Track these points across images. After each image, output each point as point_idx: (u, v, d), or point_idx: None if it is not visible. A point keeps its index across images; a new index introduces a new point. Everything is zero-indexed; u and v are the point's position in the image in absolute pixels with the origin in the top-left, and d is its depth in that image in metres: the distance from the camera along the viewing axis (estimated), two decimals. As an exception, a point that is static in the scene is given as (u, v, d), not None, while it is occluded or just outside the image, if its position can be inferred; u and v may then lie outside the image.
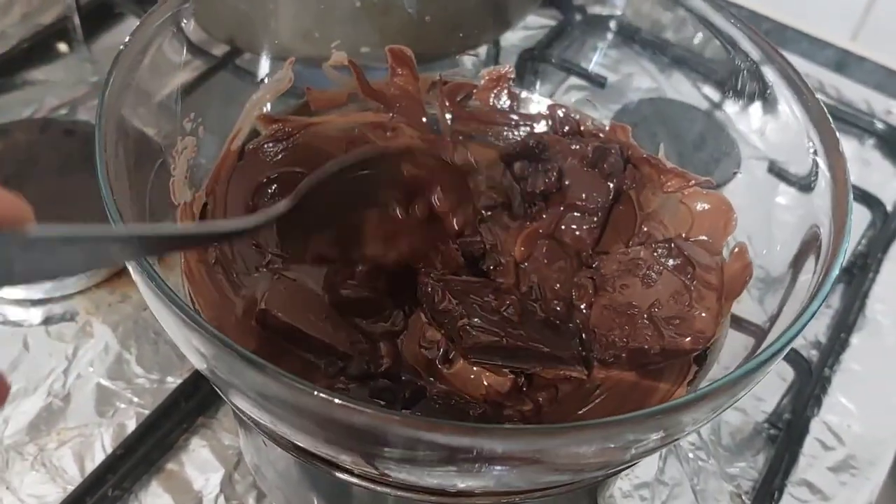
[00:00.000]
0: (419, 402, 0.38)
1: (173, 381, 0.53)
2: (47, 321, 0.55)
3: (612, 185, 0.46)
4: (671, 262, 0.42)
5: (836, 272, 0.34)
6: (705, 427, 0.55)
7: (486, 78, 0.54)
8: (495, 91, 0.54)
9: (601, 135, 0.52)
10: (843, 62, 0.78)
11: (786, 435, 0.54)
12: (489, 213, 0.46)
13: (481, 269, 0.43)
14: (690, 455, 0.53)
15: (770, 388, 0.57)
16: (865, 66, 0.77)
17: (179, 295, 0.31)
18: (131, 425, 0.51)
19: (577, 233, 0.46)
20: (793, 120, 0.42)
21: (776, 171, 0.48)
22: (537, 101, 0.55)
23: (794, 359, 0.57)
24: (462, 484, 0.32)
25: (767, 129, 0.49)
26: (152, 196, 0.40)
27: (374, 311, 0.40)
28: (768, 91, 0.45)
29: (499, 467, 0.31)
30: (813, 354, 0.59)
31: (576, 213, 0.46)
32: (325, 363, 0.38)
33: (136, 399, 0.52)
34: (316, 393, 0.27)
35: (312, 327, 0.39)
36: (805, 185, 0.42)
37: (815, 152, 0.40)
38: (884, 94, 0.75)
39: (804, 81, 0.43)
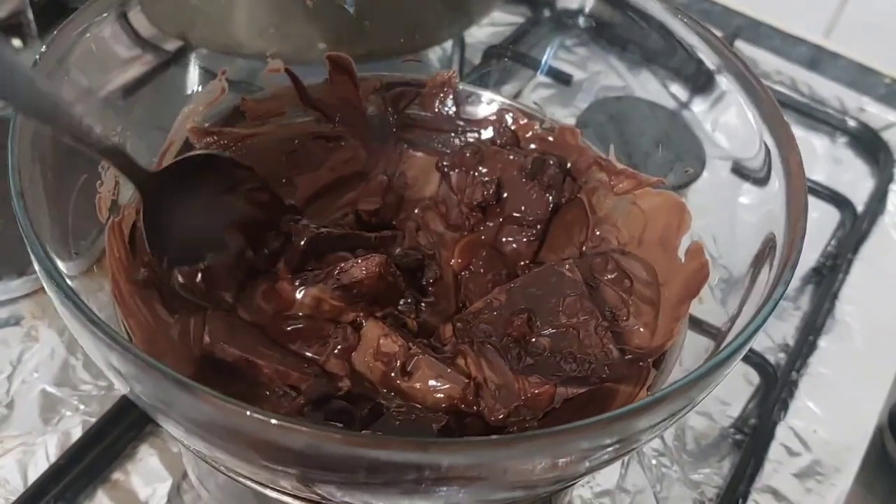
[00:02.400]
0: (378, 419, 0.37)
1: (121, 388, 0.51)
2: (-8, 325, 0.53)
3: (550, 198, 0.45)
4: (608, 275, 0.41)
5: (789, 275, 0.33)
6: (669, 432, 0.54)
7: (430, 84, 0.53)
8: (440, 97, 0.53)
9: (550, 138, 0.50)
10: (817, 59, 0.77)
11: (751, 440, 0.53)
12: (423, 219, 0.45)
13: (419, 282, 0.42)
14: (654, 461, 0.52)
15: (736, 393, 0.56)
16: (839, 63, 0.76)
17: (101, 316, 0.29)
18: (77, 433, 0.49)
19: (515, 245, 0.45)
20: (748, 118, 0.41)
21: (739, 170, 0.47)
22: (488, 103, 0.54)
23: (760, 363, 0.56)
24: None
25: (729, 127, 0.48)
26: (76, 210, 0.38)
27: (317, 336, 0.38)
28: (724, 90, 0.44)
29: (444, 487, 0.29)
30: (780, 357, 0.58)
31: (514, 226, 0.45)
32: (277, 392, 0.37)
33: (82, 406, 0.51)
34: (250, 413, 0.26)
35: (263, 356, 0.37)
36: (762, 183, 0.42)
37: (768, 151, 0.39)
38: (857, 91, 0.74)
39: (757, 78, 0.42)
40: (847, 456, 0.53)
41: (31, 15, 0.68)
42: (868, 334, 0.59)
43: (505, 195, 0.45)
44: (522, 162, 0.45)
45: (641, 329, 0.40)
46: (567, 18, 0.63)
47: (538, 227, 0.44)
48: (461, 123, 0.52)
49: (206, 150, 0.46)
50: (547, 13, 0.67)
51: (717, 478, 0.52)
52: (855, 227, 0.64)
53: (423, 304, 0.41)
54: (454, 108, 0.52)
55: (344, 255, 0.40)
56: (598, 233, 0.45)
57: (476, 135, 0.51)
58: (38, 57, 0.38)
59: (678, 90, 0.55)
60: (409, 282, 0.41)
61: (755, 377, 0.56)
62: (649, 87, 0.57)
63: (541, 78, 0.64)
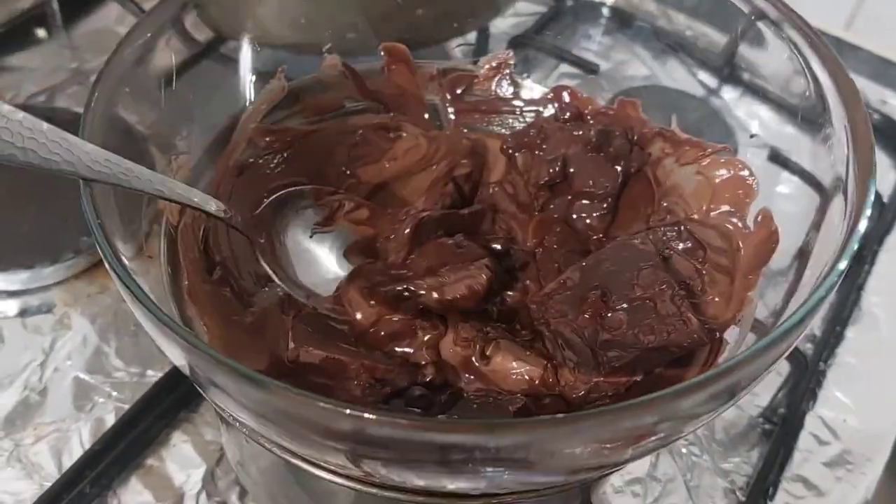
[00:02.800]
0: (456, 404, 0.37)
1: (154, 375, 0.51)
2: (23, 313, 0.53)
3: (619, 169, 0.44)
4: (681, 245, 0.40)
5: (845, 264, 0.32)
6: (699, 422, 0.54)
7: (487, 66, 0.53)
8: (497, 79, 0.53)
9: (610, 113, 0.50)
10: (837, 51, 0.76)
11: (780, 430, 0.53)
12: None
13: (509, 268, 0.42)
14: (683, 450, 0.52)
15: (765, 383, 0.55)
16: (860, 56, 0.76)
17: (162, 304, 0.30)
18: (110, 420, 0.49)
19: (588, 220, 0.44)
20: (823, 90, 0.40)
21: (778, 159, 0.47)
22: (536, 89, 0.54)
23: (790, 353, 0.55)
24: (452, 485, 0.30)
25: (770, 114, 0.47)
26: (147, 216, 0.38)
27: (406, 332, 0.39)
28: (792, 54, 0.42)
29: (490, 468, 0.29)
30: (808, 348, 0.58)
31: (584, 201, 0.44)
32: (363, 385, 0.37)
33: (115, 393, 0.51)
34: (322, 405, 0.26)
35: (348, 353, 0.37)
36: (816, 173, 0.41)
37: (829, 111, 0.38)
38: (879, 83, 0.74)
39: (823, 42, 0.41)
40: (877, 444, 0.53)
41: (56, 5, 0.68)
42: (895, 324, 0.59)
43: (572, 171, 0.44)
44: (587, 136, 0.45)
45: (717, 299, 0.39)
46: (591, 7, 0.63)
47: (609, 199, 0.44)
48: (520, 104, 0.52)
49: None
50: (570, 2, 0.67)
51: (746, 466, 0.52)
52: (881, 219, 0.64)
53: (509, 293, 0.41)
54: (512, 89, 0.52)
55: (445, 246, 0.40)
56: (664, 204, 0.44)
57: (534, 114, 0.51)
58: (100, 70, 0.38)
59: (707, 77, 0.54)
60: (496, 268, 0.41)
61: (784, 367, 0.56)
62: (676, 75, 0.57)
63: (565, 68, 0.64)
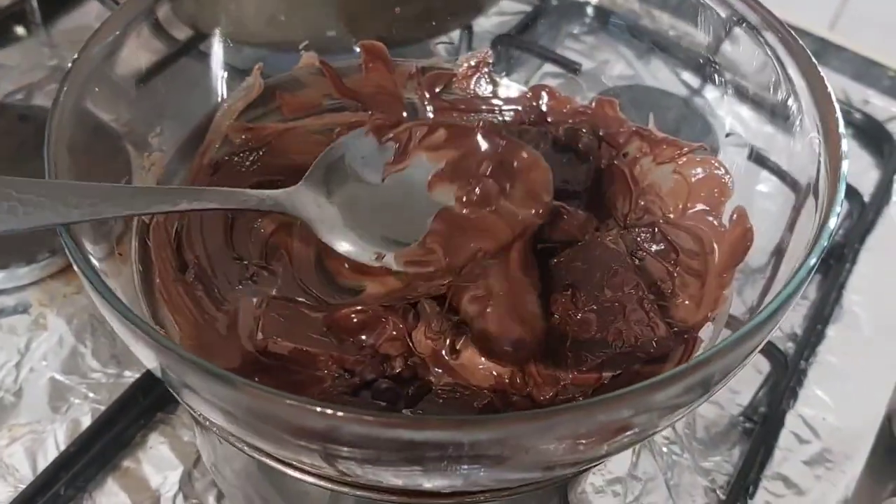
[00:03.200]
0: (423, 398, 0.37)
1: (131, 376, 0.51)
2: (-1, 313, 0.53)
3: (589, 165, 0.44)
4: (654, 247, 0.40)
5: (815, 262, 0.32)
6: (680, 421, 0.54)
7: (465, 65, 0.52)
8: (475, 77, 0.52)
9: (588, 112, 0.50)
10: (821, 51, 0.77)
11: (761, 428, 0.53)
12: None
13: None
14: (664, 449, 0.52)
15: (745, 381, 0.56)
16: (843, 56, 0.76)
17: (133, 304, 0.29)
18: (86, 421, 0.49)
19: (565, 216, 0.44)
20: (796, 90, 0.40)
21: (758, 158, 0.47)
22: (514, 88, 0.54)
23: (770, 350, 0.56)
24: (428, 484, 0.30)
25: (750, 114, 0.47)
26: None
27: (374, 322, 0.38)
28: (765, 60, 0.43)
29: (465, 466, 0.29)
30: (789, 347, 0.58)
31: (558, 199, 0.44)
32: (333, 375, 0.37)
33: (91, 394, 0.50)
34: (290, 402, 0.26)
35: (318, 345, 0.37)
36: (791, 171, 0.41)
37: (800, 108, 0.39)
38: (861, 83, 0.74)
39: (801, 46, 0.41)
40: (856, 443, 0.53)
41: (35, 3, 0.68)
42: (876, 323, 0.59)
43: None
44: (554, 134, 0.45)
45: (687, 302, 0.39)
46: (575, 6, 0.63)
47: (582, 195, 0.44)
48: (499, 103, 0.52)
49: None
50: (555, 1, 0.67)
51: (727, 465, 0.52)
52: (862, 218, 0.64)
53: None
54: (491, 88, 0.52)
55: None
56: (641, 203, 0.44)
57: (512, 112, 0.51)
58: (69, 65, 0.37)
59: (690, 77, 0.54)
60: None
61: (764, 366, 0.56)
62: (659, 75, 0.57)
63: (549, 67, 0.64)
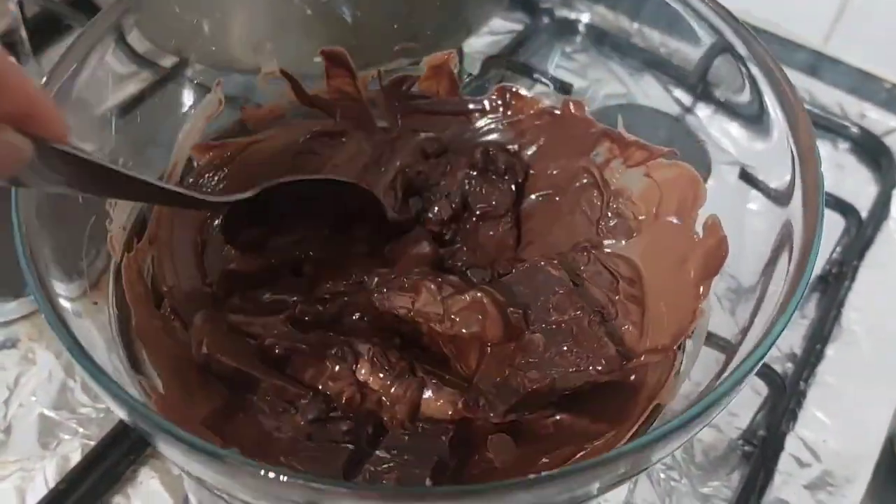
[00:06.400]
0: (384, 436, 0.36)
1: (121, 410, 0.50)
2: (-13, 348, 0.52)
3: (511, 186, 0.44)
4: (591, 272, 0.40)
5: (804, 283, 0.32)
6: (677, 448, 0.53)
7: (428, 66, 0.52)
8: (437, 79, 0.52)
9: (556, 111, 0.50)
10: (816, 65, 0.76)
11: (760, 452, 0.52)
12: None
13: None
14: (662, 475, 0.52)
15: (744, 404, 0.55)
16: (839, 69, 0.76)
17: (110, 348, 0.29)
18: (76, 458, 0.48)
19: (498, 238, 0.44)
20: (772, 120, 0.40)
21: (748, 177, 0.46)
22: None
23: (768, 374, 0.55)
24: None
25: (740, 132, 0.47)
26: (90, 250, 0.37)
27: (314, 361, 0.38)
28: (747, 88, 0.43)
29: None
30: (788, 367, 0.57)
31: (489, 221, 0.44)
32: (277, 409, 0.36)
33: (81, 429, 0.50)
34: (263, 472, 0.25)
35: (259, 370, 0.37)
36: (776, 189, 0.41)
37: (791, 155, 0.38)
38: (857, 97, 0.73)
39: (785, 77, 0.41)
40: (858, 466, 0.52)
41: (24, 33, 0.68)
42: (875, 342, 0.58)
43: (469, 198, 0.44)
44: (472, 159, 0.45)
45: (630, 328, 0.39)
46: (566, 25, 0.63)
47: (509, 214, 0.44)
48: (463, 104, 0.51)
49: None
50: (546, 20, 0.67)
51: (726, 490, 0.51)
52: (860, 234, 0.63)
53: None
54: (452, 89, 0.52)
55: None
56: (614, 206, 0.44)
57: (478, 112, 0.50)
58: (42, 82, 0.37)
59: (682, 95, 0.54)
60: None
61: (763, 388, 0.55)
62: (651, 92, 0.56)
63: (541, 87, 0.63)
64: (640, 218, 0.43)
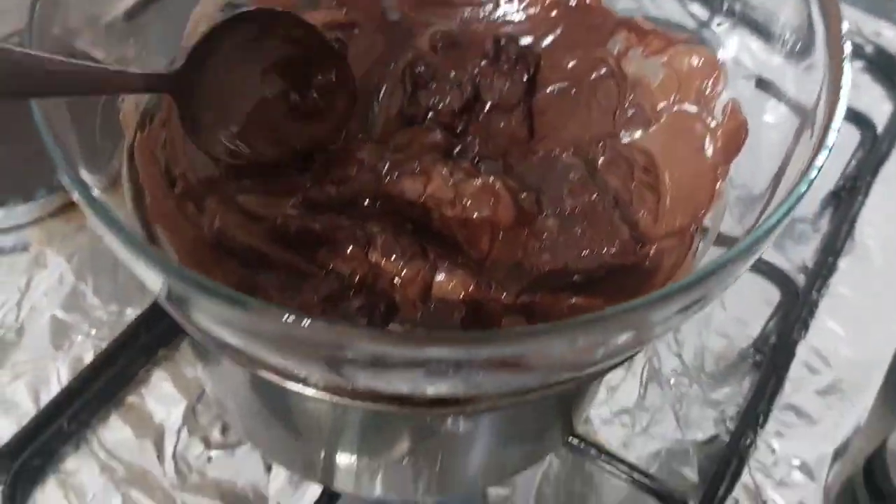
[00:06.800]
0: (397, 314, 0.36)
1: (133, 313, 0.50)
2: (-1, 252, 0.52)
3: (523, 76, 0.43)
4: (607, 162, 0.40)
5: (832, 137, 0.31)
6: (688, 354, 0.53)
7: None
8: None
9: (572, 3, 0.48)
10: (832, -15, 0.75)
11: (771, 360, 0.52)
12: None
13: None
14: (672, 381, 0.52)
15: (754, 313, 0.55)
16: (855, -12, 0.74)
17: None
18: (88, 358, 0.49)
19: (508, 130, 0.43)
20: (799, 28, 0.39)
21: (763, 86, 0.46)
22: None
23: (782, 280, 0.55)
24: (431, 390, 0.30)
25: (758, 45, 0.46)
26: (102, 135, 0.36)
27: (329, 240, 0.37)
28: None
29: (466, 371, 0.29)
30: (800, 279, 0.57)
31: (500, 112, 0.43)
32: (291, 287, 0.36)
33: (93, 331, 0.50)
34: (287, 317, 0.25)
35: (272, 249, 0.36)
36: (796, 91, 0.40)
37: (809, 33, 0.37)
38: (873, 15, 0.72)
39: None
40: (869, 373, 0.52)
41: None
42: (888, 255, 0.58)
43: (480, 88, 0.44)
44: (483, 50, 0.44)
45: (645, 214, 0.39)
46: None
47: (522, 105, 0.43)
48: None
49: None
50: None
51: (737, 397, 0.51)
52: (875, 149, 0.63)
53: None
54: None
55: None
56: (631, 97, 0.43)
57: (491, 4, 0.48)
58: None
59: (698, 9, 0.53)
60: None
61: (774, 296, 0.55)
62: (666, 6, 0.55)
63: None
64: (658, 108, 0.43)
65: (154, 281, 0.29)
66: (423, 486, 0.40)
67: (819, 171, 0.31)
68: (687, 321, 0.32)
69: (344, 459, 0.39)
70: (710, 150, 0.40)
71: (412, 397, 0.31)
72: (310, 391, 0.31)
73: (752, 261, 0.31)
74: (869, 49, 0.69)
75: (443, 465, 0.39)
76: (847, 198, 0.61)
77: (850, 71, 0.36)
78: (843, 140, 0.64)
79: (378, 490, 0.41)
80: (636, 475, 0.46)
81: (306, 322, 0.25)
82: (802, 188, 0.30)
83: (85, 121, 0.36)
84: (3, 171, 0.52)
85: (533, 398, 0.31)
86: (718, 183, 0.39)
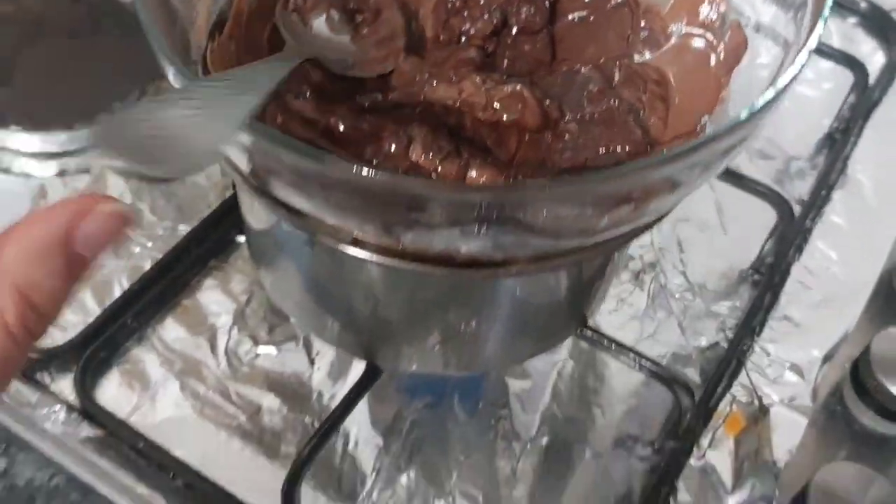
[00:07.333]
0: None
1: (185, 228, 0.55)
2: (62, 174, 0.57)
3: (546, 2, 0.48)
4: (623, 78, 0.44)
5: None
6: (692, 273, 0.58)
7: None
8: None
9: None
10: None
11: (768, 277, 0.57)
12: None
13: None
14: (677, 295, 0.56)
15: (753, 238, 0.60)
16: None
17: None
18: (147, 266, 0.54)
19: (533, 53, 0.48)
20: None
21: (759, 30, 0.50)
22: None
23: (778, 202, 0.59)
24: (464, 248, 0.34)
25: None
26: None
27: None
28: None
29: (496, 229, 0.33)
30: (796, 210, 0.61)
31: (524, 35, 0.48)
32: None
33: (150, 244, 0.55)
34: (357, 169, 0.29)
35: (326, 143, 0.41)
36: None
37: None
38: (867, -27, 0.77)
39: None
40: (858, 290, 0.57)
41: None
42: (879, 187, 0.62)
43: (508, 15, 0.48)
44: None
45: (655, 121, 0.43)
46: None
47: (544, 30, 0.48)
48: None
49: None
50: None
51: (737, 311, 0.56)
52: (867, 95, 0.67)
53: None
54: None
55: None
56: (643, 23, 0.48)
57: None
58: None
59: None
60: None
61: (771, 219, 0.60)
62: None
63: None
64: (668, 31, 0.47)
65: (239, 156, 0.33)
66: (453, 362, 0.45)
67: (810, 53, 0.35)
68: (690, 190, 0.36)
69: (387, 333, 0.44)
70: (713, 62, 0.44)
71: (452, 258, 0.36)
72: (364, 254, 0.36)
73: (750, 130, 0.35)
74: (863, 5, 0.74)
75: (471, 338, 0.43)
76: (841, 138, 0.65)
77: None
78: (837, 84, 0.69)
79: (414, 364, 0.45)
80: (644, 362, 0.51)
81: (372, 172, 0.30)
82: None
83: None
84: (68, 97, 0.57)
85: (559, 263, 0.36)
86: (722, 90, 0.43)
